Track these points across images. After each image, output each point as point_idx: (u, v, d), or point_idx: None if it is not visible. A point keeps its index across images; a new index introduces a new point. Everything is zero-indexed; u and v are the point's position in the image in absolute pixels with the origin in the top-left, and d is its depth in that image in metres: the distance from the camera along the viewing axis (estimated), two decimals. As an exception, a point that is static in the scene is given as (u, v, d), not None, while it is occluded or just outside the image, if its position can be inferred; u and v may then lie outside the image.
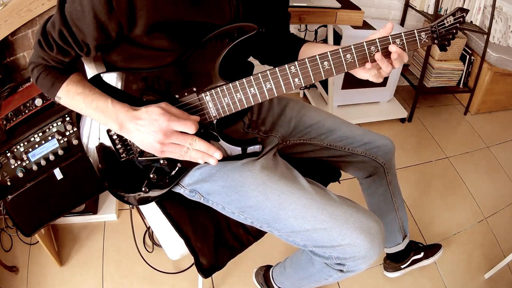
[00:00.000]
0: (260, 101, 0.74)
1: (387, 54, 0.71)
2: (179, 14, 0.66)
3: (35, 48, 0.71)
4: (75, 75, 0.74)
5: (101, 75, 0.76)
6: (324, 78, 0.72)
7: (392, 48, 0.70)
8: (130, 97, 0.75)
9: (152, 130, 0.70)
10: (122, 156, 0.83)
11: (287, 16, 0.96)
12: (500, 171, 2.11)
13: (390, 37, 0.70)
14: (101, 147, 0.84)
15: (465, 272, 1.52)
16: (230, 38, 0.71)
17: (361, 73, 0.78)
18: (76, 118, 0.87)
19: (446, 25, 0.70)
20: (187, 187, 0.88)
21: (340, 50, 0.70)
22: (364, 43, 0.70)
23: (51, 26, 0.68)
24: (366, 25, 2.06)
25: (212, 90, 0.74)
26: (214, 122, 0.78)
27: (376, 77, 0.76)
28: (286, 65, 0.71)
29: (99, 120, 0.75)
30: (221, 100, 0.75)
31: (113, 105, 0.71)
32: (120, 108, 0.71)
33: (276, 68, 0.71)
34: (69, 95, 0.73)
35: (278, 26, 0.95)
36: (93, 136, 0.84)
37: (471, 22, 2.31)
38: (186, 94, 0.75)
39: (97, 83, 0.76)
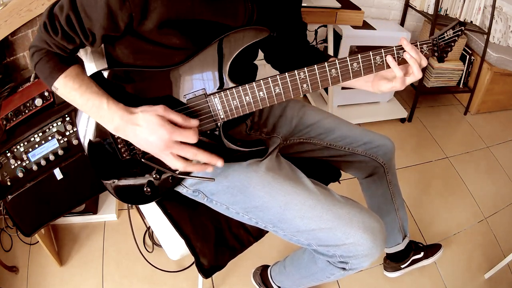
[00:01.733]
0: (268, 105, 0.74)
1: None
2: (193, 11, 0.65)
3: (39, 31, 0.69)
4: (75, 67, 0.72)
5: (103, 72, 0.75)
6: (330, 85, 0.74)
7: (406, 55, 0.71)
8: (134, 96, 0.74)
9: (152, 140, 0.68)
10: (124, 155, 0.82)
11: (302, 25, 0.95)
12: (500, 171, 2.11)
13: (394, 47, 0.72)
14: (100, 147, 0.84)
15: (465, 272, 1.52)
16: (242, 41, 0.71)
17: (384, 85, 0.78)
18: (74, 115, 0.86)
19: (446, 38, 0.73)
20: (190, 187, 0.87)
21: (347, 58, 0.71)
22: (370, 53, 0.72)
23: (58, 9, 0.66)
24: (366, 25, 2.06)
25: (221, 92, 0.73)
26: (220, 124, 0.78)
27: (401, 83, 0.75)
28: (295, 71, 0.71)
29: (95, 119, 0.73)
30: (230, 103, 0.74)
31: (108, 106, 0.69)
32: (116, 111, 0.69)
33: (286, 73, 0.72)
34: (66, 89, 0.71)
35: (294, 35, 0.94)
36: (91, 135, 0.83)
37: (471, 22, 2.31)
38: (195, 95, 0.74)
39: (99, 80, 0.74)
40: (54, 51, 0.70)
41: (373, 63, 0.72)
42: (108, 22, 0.64)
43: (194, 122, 0.71)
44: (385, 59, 0.72)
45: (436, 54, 0.74)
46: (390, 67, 0.73)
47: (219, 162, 0.73)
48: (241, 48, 0.71)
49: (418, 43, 0.72)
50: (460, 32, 0.73)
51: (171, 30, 0.66)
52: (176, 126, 0.69)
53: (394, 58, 0.72)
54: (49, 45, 0.69)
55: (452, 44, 0.74)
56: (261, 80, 0.72)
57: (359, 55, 0.72)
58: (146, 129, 0.68)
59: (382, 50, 0.72)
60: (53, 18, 0.66)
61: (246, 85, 0.73)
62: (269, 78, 0.72)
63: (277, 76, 0.72)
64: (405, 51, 0.71)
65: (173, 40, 0.68)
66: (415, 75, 0.73)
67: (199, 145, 0.75)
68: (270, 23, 0.78)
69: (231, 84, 0.73)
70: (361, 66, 0.72)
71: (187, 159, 0.72)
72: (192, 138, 0.69)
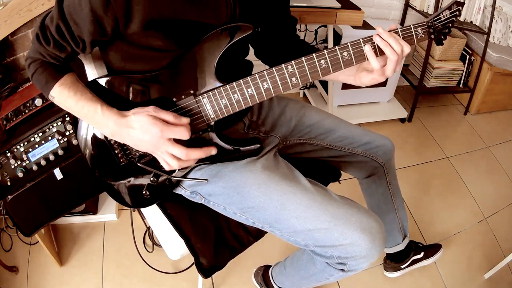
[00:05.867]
0: (258, 101, 0.74)
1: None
2: (175, 11, 0.66)
3: (33, 43, 0.71)
4: (69, 75, 0.73)
5: (98, 80, 0.76)
6: (321, 77, 0.72)
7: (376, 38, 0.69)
8: (127, 101, 0.75)
9: (146, 139, 0.70)
10: (121, 160, 0.83)
11: (291, 20, 0.95)
12: (500, 171, 2.11)
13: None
14: (98, 152, 0.84)
15: (465, 272, 1.52)
16: (226, 39, 0.71)
17: (364, 77, 0.77)
18: (73, 120, 0.87)
19: (442, 19, 0.70)
20: (188, 188, 0.88)
21: (337, 48, 0.70)
22: (361, 40, 0.70)
23: (49, 21, 0.68)
24: (366, 25, 2.05)
25: (209, 92, 0.73)
26: (212, 124, 0.78)
27: (379, 75, 0.74)
28: (283, 64, 0.70)
29: (91, 124, 0.76)
30: (218, 102, 0.74)
31: (102, 112, 0.71)
32: (110, 116, 0.71)
33: (273, 68, 0.71)
34: (62, 97, 0.72)
35: (283, 30, 0.94)
36: (89, 142, 0.84)
37: (471, 22, 2.31)
38: (183, 97, 0.74)
39: (94, 87, 0.75)
40: (48, 61, 0.72)
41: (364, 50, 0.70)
42: (95, 27, 0.65)
43: (185, 120, 0.73)
44: (364, 50, 0.69)
45: (432, 36, 0.71)
46: (382, 54, 0.71)
47: (213, 151, 0.77)
48: (225, 46, 0.71)
49: (412, 26, 0.70)
50: (457, 12, 0.69)
51: (155, 32, 0.66)
52: (168, 124, 0.70)
53: (373, 48, 0.70)
54: (43, 56, 0.71)
55: (450, 25, 0.70)
56: (249, 77, 0.72)
57: (348, 43, 0.69)
58: (139, 130, 0.70)
59: (373, 36, 0.70)
60: (45, 29, 0.69)
61: (234, 83, 0.72)
62: (256, 74, 0.71)
63: (264, 71, 0.71)
64: (405, 37, 0.69)
65: (157, 42, 0.68)
66: (391, 59, 0.69)
67: (192, 145, 0.76)
68: (253, 18, 0.78)
69: (218, 83, 0.73)
70: (352, 54, 0.70)
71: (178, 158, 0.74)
72: (184, 134, 0.71)
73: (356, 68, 0.80)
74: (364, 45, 0.70)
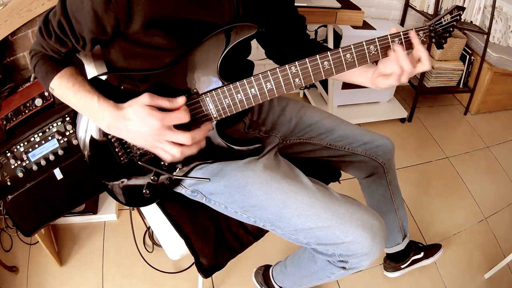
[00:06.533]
0: (260, 101, 0.74)
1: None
2: (178, 10, 0.65)
3: (36, 36, 0.72)
4: (69, 68, 0.74)
5: (100, 77, 0.75)
6: (324, 78, 0.72)
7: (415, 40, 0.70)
8: (128, 100, 0.74)
9: (144, 130, 0.68)
10: (121, 159, 0.83)
11: (299, 19, 0.94)
12: (500, 171, 2.11)
13: (389, 36, 0.70)
14: (98, 151, 0.84)
15: (465, 272, 1.52)
16: (230, 39, 0.71)
17: (381, 82, 0.78)
18: (73, 117, 0.86)
19: (444, 23, 0.71)
20: (188, 188, 0.88)
21: (340, 50, 0.70)
22: (364, 43, 0.70)
23: (52, 15, 0.69)
24: (366, 25, 2.06)
25: (213, 91, 0.73)
26: (215, 123, 0.78)
27: (396, 80, 0.75)
28: (286, 65, 0.71)
29: (88, 117, 0.74)
30: (222, 101, 0.74)
31: (99, 103, 0.70)
32: (105, 108, 0.70)
33: (277, 68, 0.71)
34: (61, 88, 0.72)
35: (292, 30, 0.94)
36: (89, 140, 0.83)
37: (471, 22, 2.31)
38: (186, 96, 0.74)
39: (95, 85, 0.75)
40: (50, 54, 0.73)
41: (367, 52, 0.70)
42: (96, 26, 0.65)
43: (181, 100, 0.71)
44: (380, 50, 0.71)
45: (433, 40, 0.72)
46: (384, 56, 0.72)
47: (210, 126, 0.76)
48: (229, 46, 0.71)
49: (414, 30, 0.71)
50: (458, 17, 0.71)
51: (157, 30, 0.66)
52: (165, 112, 0.69)
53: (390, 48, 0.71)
54: (45, 49, 0.72)
55: (451, 29, 0.72)
56: (252, 77, 0.72)
57: (351, 45, 0.70)
58: (137, 121, 0.68)
59: (376, 39, 0.70)
60: (48, 23, 0.70)
61: (237, 83, 0.72)
62: (260, 74, 0.71)
63: (268, 72, 0.71)
64: (407, 40, 0.71)
65: (159, 41, 0.68)
66: (424, 65, 0.71)
67: None
68: (257, 18, 0.78)
69: (221, 83, 0.73)
70: (355, 56, 0.70)
71: (181, 145, 0.71)
72: (184, 117, 0.69)
73: (372, 72, 0.81)
74: (372, 50, 0.71)
